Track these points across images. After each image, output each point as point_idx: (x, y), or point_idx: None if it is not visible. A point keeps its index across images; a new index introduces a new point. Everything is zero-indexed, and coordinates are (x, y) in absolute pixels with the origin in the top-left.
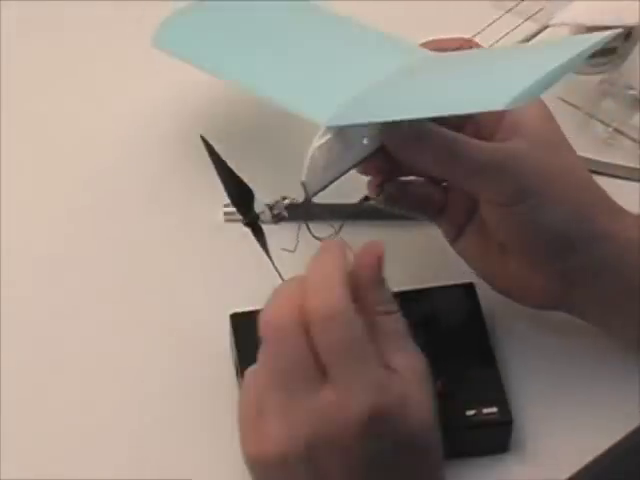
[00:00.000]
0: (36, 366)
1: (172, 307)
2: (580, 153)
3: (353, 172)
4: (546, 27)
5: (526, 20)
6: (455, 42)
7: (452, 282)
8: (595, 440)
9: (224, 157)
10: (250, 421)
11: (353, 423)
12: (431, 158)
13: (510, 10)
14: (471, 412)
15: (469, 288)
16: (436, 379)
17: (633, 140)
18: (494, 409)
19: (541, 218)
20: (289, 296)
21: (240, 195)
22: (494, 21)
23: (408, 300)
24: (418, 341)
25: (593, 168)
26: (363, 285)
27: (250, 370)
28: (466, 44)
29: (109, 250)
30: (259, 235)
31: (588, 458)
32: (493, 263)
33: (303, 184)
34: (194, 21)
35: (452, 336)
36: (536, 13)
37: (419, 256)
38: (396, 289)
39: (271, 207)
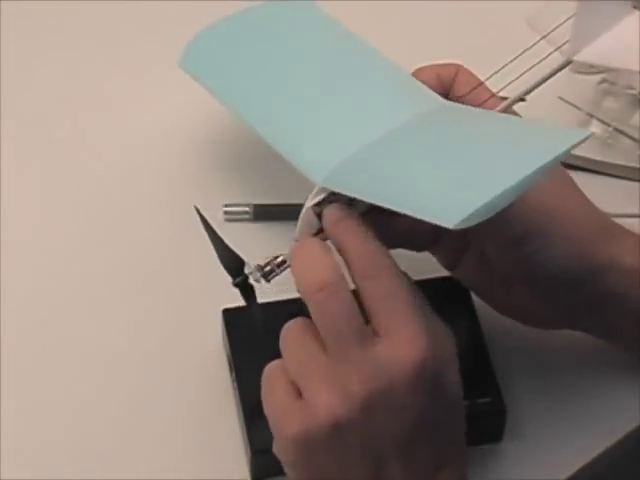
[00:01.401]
0: (35, 365)
1: (168, 304)
2: (580, 152)
3: None
4: (570, 62)
5: (554, 51)
6: (448, 68)
7: (444, 274)
8: (588, 428)
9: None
10: (290, 402)
11: (409, 375)
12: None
13: (534, 45)
14: (465, 403)
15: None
16: None
17: (633, 140)
18: (487, 399)
19: (546, 258)
20: (318, 254)
21: (230, 261)
22: (521, 53)
23: None
24: None
25: (593, 167)
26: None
27: (274, 363)
28: (458, 72)
29: (108, 248)
30: (248, 294)
31: (582, 446)
32: (494, 290)
33: (297, 241)
34: (220, 45)
35: None
36: (563, 45)
37: (409, 252)
38: None
39: (262, 267)
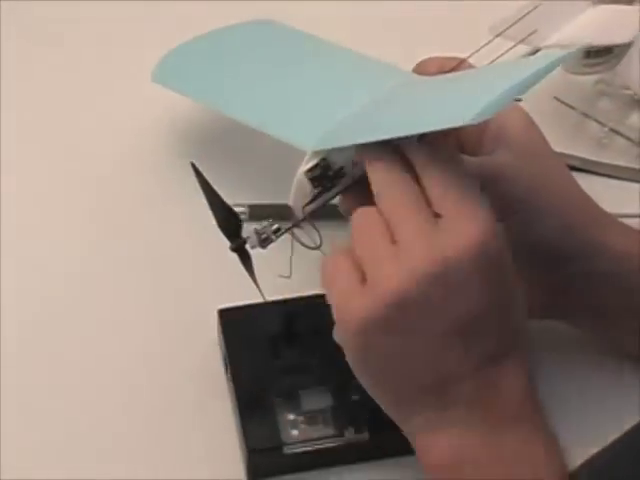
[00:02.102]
0: (34, 365)
1: (163, 304)
2: (576, 153)
3: None
4: (538, 50)
5: (518, 43)
6: (452, 62)
7: None
8: (588, 428)
9: (216, 160)
10: (354, 286)
11: (474, 253)
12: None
13: (501, 34)
14: None
15: None
16: None
17: (629, 140)
18: None
19: (531, 231)
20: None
21: (228, 221)
22: (485, 44)
23: None
24: None
25: (589, 168)
26: None
27: (337, 250)
28: (462, 65)
29: (107, 248)
30: (245, 260)
31: (582, 446)
32: None
33: (290, 208)
34: (192, 56)
35: None
36: (528, 36)
37: None
38: None
39: (259, 232)
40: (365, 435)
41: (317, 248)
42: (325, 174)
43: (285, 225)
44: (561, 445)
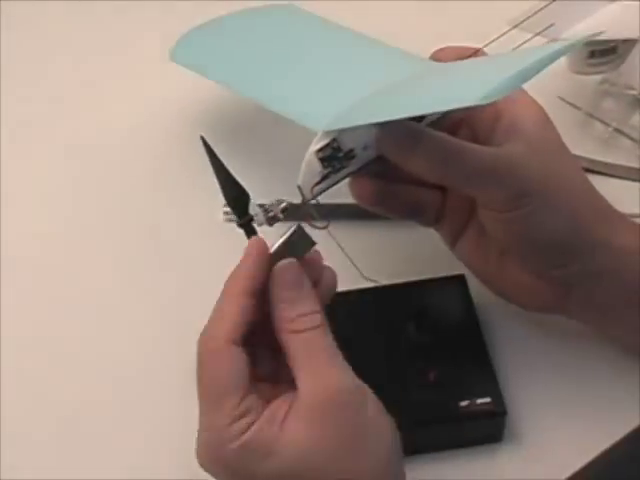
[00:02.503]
0: (34, 367)
1: (167, 303)
2: (580, 153)
3: None
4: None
5: (536, 35)
6: (468, 50)
7: (444, 274)
8: (589, 430)
9: (226, 156)
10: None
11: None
12: (425, 163)
13: (518, 25)
14: (465, 403)
15: (460, 280)
16: (429, 370)
17: (633, 140)
18: (487, 399)
19: (539, 225)
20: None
21: (236, 197)
22: (501, 35)
23: (400, 293)
24: (411, 333)
25: (593, 168)
26: (275, 303)
27: None
28: (478, 53)
29: (109, 248)
30: (251, 236)
31: (582, 447)
32: (491, 267)
33: (299, 187)
34: (209, 36)
35: (444, 327)
36: (546, 29)
37: (411, 251)
38: (389, 282)
39: (266, 209)
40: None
41: (325, 228)
42: (335, 155)
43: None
44: (561, 449)
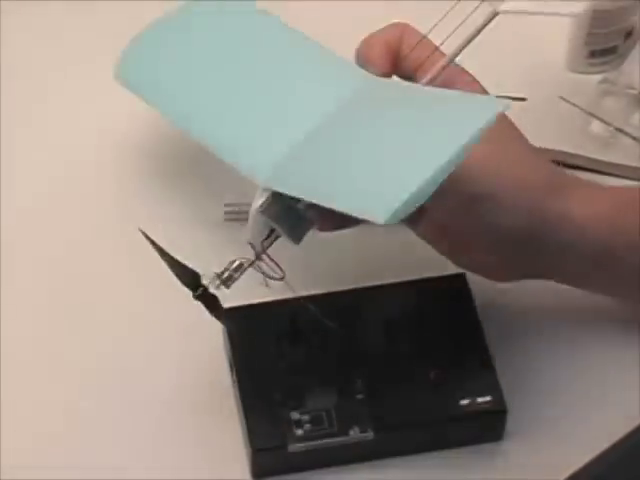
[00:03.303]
0: (34, 367)
1: (168, 303)
2: (580, 152)
3: None
4: (496, 14)
5: (482, 2)
6: (394, 31)
7: (444, 274)
8: (589, 430)
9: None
10: None
11: None
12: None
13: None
14: (465, 402)
15: (460, 279)
16: (429, 370)
17: (634, 139)
18: (488, 398)
19: (496, 217)
20: None
21: (187, 276)
22: (450, 9)
23: (401, 292)
24: (411, 332)
25: (593, 167)
26: None
27: None
28: (405, 33)
29: (108, 248)
30: (210, 304)
31: (582, 447)
32: (454, 248)
33: (250, 244)
34: (152, 51)
35: (445, 326)
36: None
37: (410, 250)
38: (389, 281)
39: (219, 274)
40: (370, 434)
41: (281, 279)
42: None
43: (246, 262)
44: (561, 448)
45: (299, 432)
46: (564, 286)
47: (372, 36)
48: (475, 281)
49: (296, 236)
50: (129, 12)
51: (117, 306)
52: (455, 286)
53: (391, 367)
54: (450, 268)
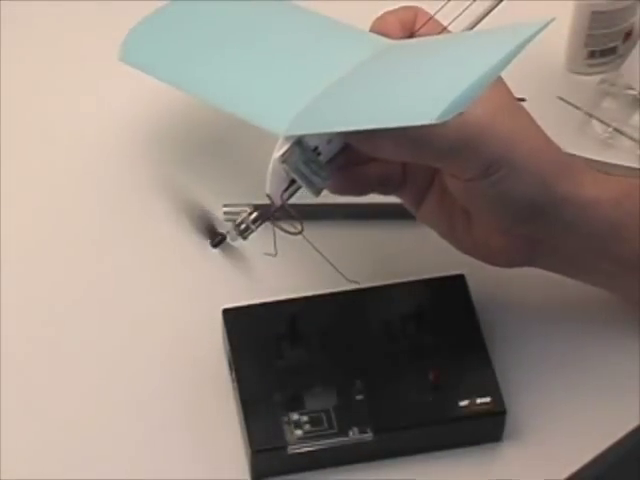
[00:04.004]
0: (35, 367)
1: (167, 303)
2: (580, 153)
3: None
4: (501, 0)
5: None
6: (409, 12)
7: (443, 274)
8: (589, 430)
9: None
10: None
11: None
12: (394, 149)
13: None
14: (465, 402)
15: (459, 280)
16: (429, 370)
17: (633, 140)
18: (487, 399)
19: (507, 189)
20: None
21: (204, 225)
22: None
23: (399, 293)
24: (410, 333)
25: (593, 167)
26: None
27: None
28: (420, 17)
29: (107, 248)
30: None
31: (582, 447)
32: (457, 227)
33: (268, 196)
34: (158, 31)
35: (444, 327)
36: None
37: (408, 251)
38: (387, 283)
39: (237, 224)
40: (369, 435)
41: (299, 233)
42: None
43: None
44: (560, 448)
45: (298, 433)
46: (564, 287)
47: (386, 13)
48: (475, 282)
49: (315, 188)
50: None
51: (116, 306)
52: (454, 287)
53: (390, 368)
54: (449, 269)
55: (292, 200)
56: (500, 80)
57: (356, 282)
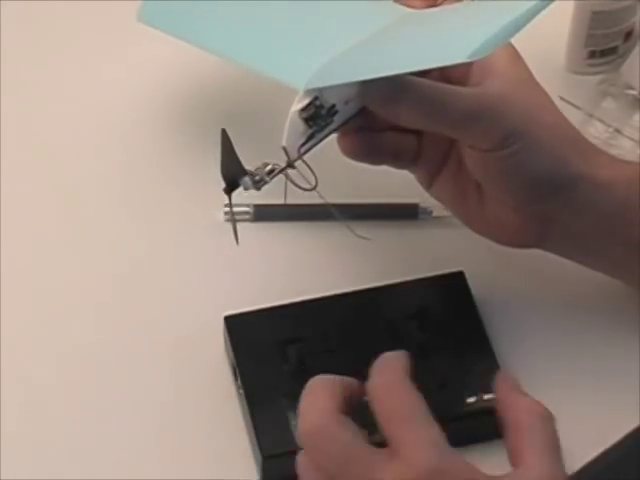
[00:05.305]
0: (35, 368)
1: (169, 307)
2: None
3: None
4: None
5: None
6: None
7: (443, 274)
8: (589, 430)
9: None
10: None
11: None
12: (411, 113)
13: None
14: (471, 399)
15: (459, 276)
16: (433, 369)
17: (633, 140)
18: (492, 395)
19: (523, 162)
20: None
21: (230, 169)
22: None
23: (400, 292)
24: (413, 332)
25: None
26: None
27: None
28: None
29: (108, 249)
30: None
31: (582, 447)
32: (470, 205)
33: (284, 149)
34: None
35: (446, 325)
36: None
37: (409, 251)
38: (387, 283)
39: (252, 174)
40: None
41: (313, 189)
42: (318, 113)
43: (279, 166)
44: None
45: None
46: (566, 283)
47: None
48: (474, 278)
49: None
50: None
51: (119, 311)
52: (454, 284)
53: None
54: (449, 268)
55: (292, 200)
56: (520, 57)
57: (366, 238)
